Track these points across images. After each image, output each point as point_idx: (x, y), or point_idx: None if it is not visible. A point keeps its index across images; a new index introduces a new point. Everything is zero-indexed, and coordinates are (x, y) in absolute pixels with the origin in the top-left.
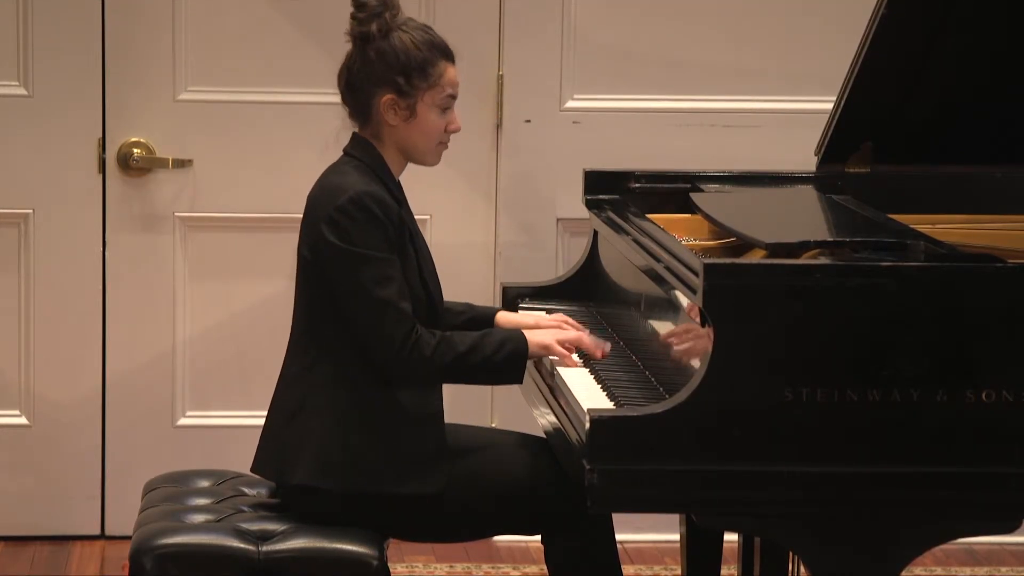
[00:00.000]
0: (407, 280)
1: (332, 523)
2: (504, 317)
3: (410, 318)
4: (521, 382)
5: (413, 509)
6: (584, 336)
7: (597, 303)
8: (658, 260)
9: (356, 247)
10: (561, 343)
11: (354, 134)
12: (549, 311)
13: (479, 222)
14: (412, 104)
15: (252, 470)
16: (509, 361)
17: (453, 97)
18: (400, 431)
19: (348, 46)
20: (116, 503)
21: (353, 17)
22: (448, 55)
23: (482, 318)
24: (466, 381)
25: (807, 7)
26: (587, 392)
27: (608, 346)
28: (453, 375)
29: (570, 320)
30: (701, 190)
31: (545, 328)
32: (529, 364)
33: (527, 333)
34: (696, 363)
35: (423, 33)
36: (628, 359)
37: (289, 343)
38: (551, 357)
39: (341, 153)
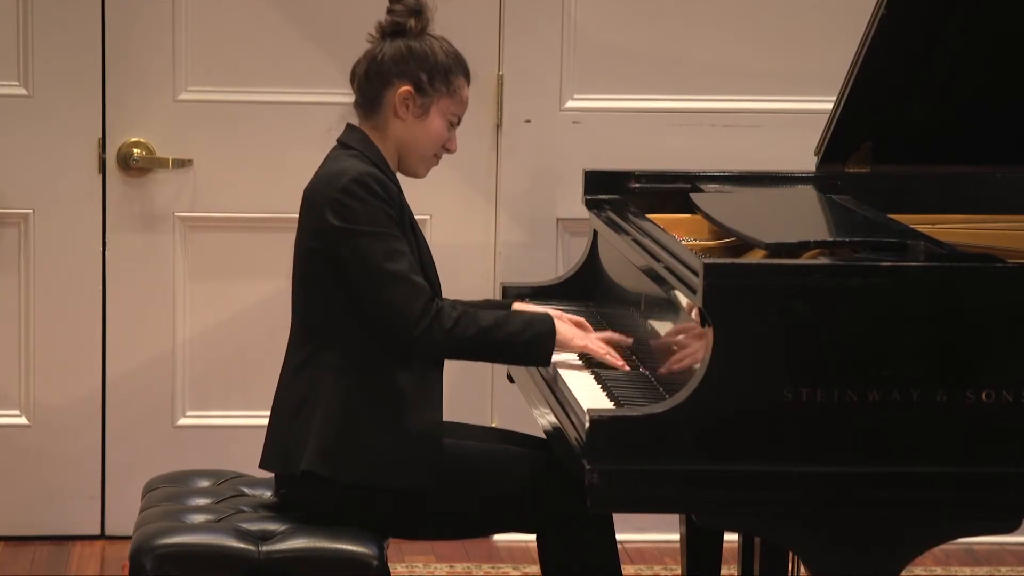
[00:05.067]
0: None
1: (331, 516)
2: (521, 306)
3: (426, 290)
4: (548, 364)
5: (412, 505)
6: (612, 357)
7: (597, 303)
8: (658, 260)
9: (362, 225)
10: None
11: (350, 125)
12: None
13: (479, 222)
14: (427, 104)
15: (260, 466)
16: (536, 341)
17: (459, 118)
18: (402, 422)
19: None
20: (116, 503)
21: (390, 11)
22: (468, 75)
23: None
24: (488, 359)
25: (808, 7)
26: (587, 392)
27: (626, 367)
28: (474, 350)
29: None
30: (701, 190)
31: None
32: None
33: (556, 323)
34: (696, 363)
35: (451, 46)
36: (628, 359)
37: (290, 337)
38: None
39: (335, 143)
